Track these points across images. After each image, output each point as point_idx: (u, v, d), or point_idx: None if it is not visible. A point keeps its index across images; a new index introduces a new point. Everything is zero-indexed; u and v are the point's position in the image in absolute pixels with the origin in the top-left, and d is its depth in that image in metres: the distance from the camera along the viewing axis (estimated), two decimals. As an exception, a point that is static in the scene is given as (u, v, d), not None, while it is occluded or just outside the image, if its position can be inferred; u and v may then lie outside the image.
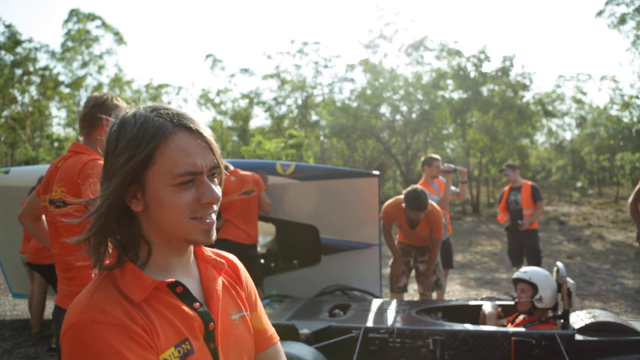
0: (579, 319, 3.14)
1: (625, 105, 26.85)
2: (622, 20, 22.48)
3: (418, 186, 4.29)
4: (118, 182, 0.89)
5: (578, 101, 33.71)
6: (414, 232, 4.53)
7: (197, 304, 0.95)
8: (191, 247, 1.02)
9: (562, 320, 3.06)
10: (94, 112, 2.30)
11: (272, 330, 1.14)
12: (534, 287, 3.19)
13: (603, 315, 3.15)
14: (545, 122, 29.98)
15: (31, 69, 25.66)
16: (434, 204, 4.47)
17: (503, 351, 2.90)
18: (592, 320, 3.07)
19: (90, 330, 0.82)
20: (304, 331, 3.02)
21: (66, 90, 27.75)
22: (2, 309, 6.06)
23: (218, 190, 0.94)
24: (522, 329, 2.98)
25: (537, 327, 3.06)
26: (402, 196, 4.35)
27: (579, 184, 29.15)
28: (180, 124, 0.90)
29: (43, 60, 39.86)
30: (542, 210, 6.45)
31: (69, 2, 54.38)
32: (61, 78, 27.19)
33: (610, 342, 2.89)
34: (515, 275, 3.33)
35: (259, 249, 5.32)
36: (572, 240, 12.57)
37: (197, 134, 0.91)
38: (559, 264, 3.25)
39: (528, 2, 59.96)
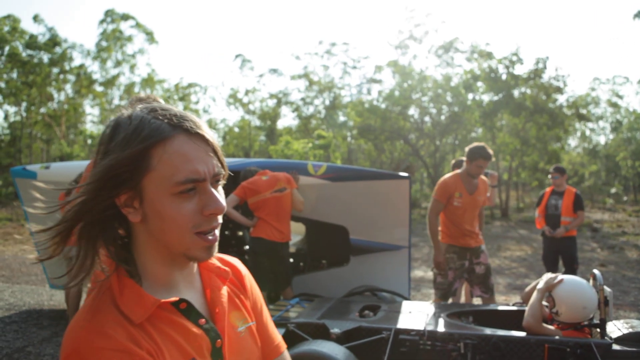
0: (615, 328, 3.07)
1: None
2: (662, 22, 21.75)
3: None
4: (99, 177, 0.81)
5: (614, 105, 32.82)
6: (472, 199, 4.55)
7: (203, 320, 0.89)
8: None
9: (598, 330, 3.00)
10: None
11: (278, 340, 1.09)
12: (553, 299, 3.10)
13: (640, 325, 3.07)
14: (578, 126, 29.27)
15: (67, 67, 26.47)
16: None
17: (536, 358, 2.86)
18: (630, 330, 3.00)
19: (94, 357, 0.76)
20: (335, 330, 3.05)
21: (100, 89, 28.56)
22: (40, 298, 6.29)
23: (222, 198, 0.86)
24: (556, 338, 2.93)
25: (571, 334, 3.00)
26: (455, 171, 4.68)
27: (613, 190, 28.34)
28: (179, 126, 0.83)
29: (78, 59, 41.09)
30: (582, 220, 6.18)
31: (105, 2, 55.88)
32: (95, 77, 28.04)
33: (648, 353, 2.82)
34: None
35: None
36: (605, 248, 12.23)
37: (199, 137, 0.84)
38: (596, 271, 3.18)
39: (564, 3, 58.56)
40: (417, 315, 3.39)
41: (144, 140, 0.80)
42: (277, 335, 1.09)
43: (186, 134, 0.83)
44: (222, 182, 0.89)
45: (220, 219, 0.87)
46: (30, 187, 5.31)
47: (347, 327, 3.10)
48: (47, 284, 6.22)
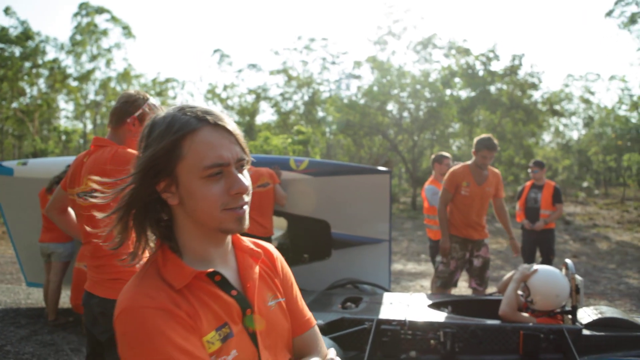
0: (586, 314, 3.21)
1: (634, 106, 26.76)
2: (632, 20, 22.36)
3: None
4: (142, 167, 0.95)
5: (586, 101, 33.61)
6: (481, 189, 4.60)
7: (235, 291, 1.00)
8: (229, 238, 1.07)
9: (570, 316, 3.14)
10: (124, 109, 2.37)
11: (308, 315, 1.18)
12: (528, 289, 3.24)
13: (610, 312, 3.22)
14: (552, 122, 29.93)
15: (40, 62, 25.85)
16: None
17: (512, 344, 2.98)
18: (599, 316, 3.15)
19: (140, 314, 0.89)
20: (319, 322, 3.08)
21: (74, 84, 27.94)
22: (17, 297, 6.20)
23: (246, 180, 0.98)
24: (530, 324, 3.06)
25: (545, 321, 3.13)
26: (465, 162, 4.75)
27: (585, 184, 29.12)
28: (204, 119, 0.95)
29: (52, 53, 40.14)
30: (561, 213, 6.38)
31: (78, -5, 54.60)
32: (69, 71, 27.39)
33: (616, 338, 2.97)
34: None
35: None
36: (577, 240, 12.61)
37: (222, 128, 0.96)
38: (568, 261, 3.32)
39: (538, 1, 59.65)
40: (398, 306, 3.48)
41: (175, 133, 0.94)
42: (307, 311, 1.19)
43: (211, 126, 0.96)
44: (247, 166, 1.00)
45: (246, 197, 0.99)
46: (9, 183, 5.23)
47: (330, 318, 3.17)
48: (24, 281, 6.13)
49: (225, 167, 0.95)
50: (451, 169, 4.74)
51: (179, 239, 1.01)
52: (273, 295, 1.10)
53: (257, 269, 1.08)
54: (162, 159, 0.94)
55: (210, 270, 0.99)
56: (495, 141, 4.58)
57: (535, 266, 3.30)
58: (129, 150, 2.29)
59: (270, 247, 1.19)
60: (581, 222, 16.38)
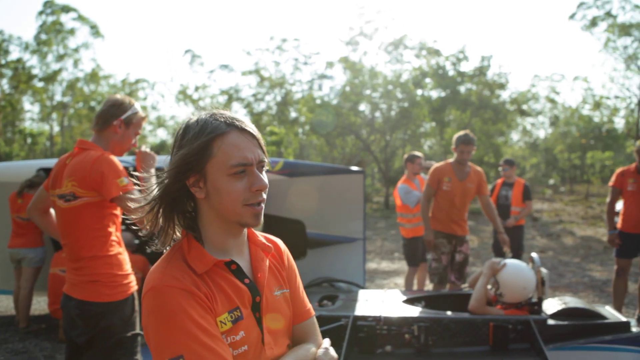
0: (551, 305, 3.37)
1: (597, 106, 27.71)
2: (594, 23, 23.19)
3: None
4: (176, 164, 1.08)
5: (551, 101, 34.58)
6: (462, 185, 4.73)
7: (247, 279, 1.14)
8: (245, 231, 1.20)
9: (535, 307, 3.29)
10: (111, 112, 2.40)
11: (308, 306, 1.31)
12: (497, 282, 3.39)
13: (573, 302, 3.40)
14: (520, 121, 30.71)
15: (3, 61, 25.05)
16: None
17: (482, 336, 3.11)
18: (563, 306, 3.31)
19: (166, 292, 1.03)
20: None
21: (40, 84, 27.15)
22: (-14, 304, 6.04)
23: (266, 179, 1.11)
24: (499, 316, 3.19)
25: (513, 313, 3.27)
26: (448, 160, 4.97)
27: (551, 182, 29.98)
28: (232, 124, 1.09)
29: (15, 52, 38.83)
30: (530, 210, 6.60)
31: (42, -7, 53.07)
32: (35, 71, 26.58)
33: (579, 326, 3.14)
34: None
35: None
36: (544, 236, 13.03)
37: (247, 133, 1.10)
38: (534, 254, 3.48)
39: (507, 4, 61.13)
40: (373, 302, 3.58)
41: (207, 135, 1.07)
42: (307, 302, 1.32)
43: (238, 130, 1.10)
44: (266, 167, 1.14)
45: (264, 194, 1.12)
46: None
47: (307, 316, 3.23)
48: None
49: (249, 166, 1.09)
50: (434, 166, 4.91)
51: (202, 229, 1.14)
52: (279, 286, 1.23)
53: (267, 261, 1.21)
54: (194, 157, 1.07)
55: (228, 259, 1.13)
56: (472, 136, 4.73)
57: (503, 261, 3.44)
58: (112, 157, 2.32)
59: (280, 242, 1.33)
60: (548, 219, 16.90)
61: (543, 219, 16.87)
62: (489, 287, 3.41)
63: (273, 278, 1.23)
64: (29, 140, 26.26)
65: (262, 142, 1.14)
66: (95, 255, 2.26)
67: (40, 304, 5.91)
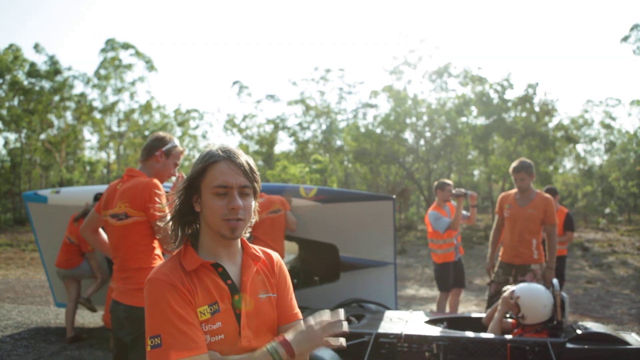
0: (572, 329, 3.43)
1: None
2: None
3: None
4: (185, 185, 1.39)
5: (607, 126, 33.35)
6: (523, 211, 4.70)
7: (230, 280, 1.37)
8: (239, 244, 1.45)
9: (555, 330, 3.36)
10: (154, 145, 2.84)
11: (296, 310, 1.50)
12: (518, 306, 3.49)
13: (595, 327, 3.43)
14: (571, 148, 29.77)
15: (67, 95, 27.02)
16: (548, 195, 4.85)
17: (500, 356, 3.21)
18: (584, 330, 3.36)
19: (155, 284, 1.31)
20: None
21: (99, 116, 29.04)
22: (47, 317, 6.60)
23: (241, 201, 1.35)
24: (517, 337, 3.29)
25: (532, 336, 3.36)
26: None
27: (607, 211, 28.67)
28: (226, 155, 1.37)
29: (79, 87, 41.71)
30: (570, 240, 6.48)
31: (106, 31, 57.05)
32: (95, 104, 28.48)
33: (598, 350, 3.18)
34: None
35: (283, 265, 5.73)
36: (594, 266, 12.55)
37: (235, 164, 1.37)
38: (554, 280, 3.57)
39: (555, 29, 60.00)
40: (397, 322, 3.75)
41: (205, 162, 1.37)
42: (295, 307, 1.52)
43: (228, 160, 1.37)
44: (250, 192, 1.38)
45: (240, 213, 1.35)
46: (43, 210, 5.68)
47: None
48: (54, 303, 6.53)
49: (229, 189, 1.34)
50: (501, 195, 5.04)
51: (200, 238, 1.41)
52: (265, 290, 1.43)
53: (254, 268, 1.43)
54: (195, 177, 1.37)
55: (213, 262, 1.38)
56: (525, 163, 4.72)
57: (512, 287, 3.57)
58: (159, 184, 2.73)
59: (274, 254, 1.54)
60: (600, 249, 16.23)
61: (595, 249, 16.22)
62: (507, 316, 3.53)
63: (260, 283, 1.44)
64: (88, 168, 28.06)
65: (250, 170, 1.38)
66: (141, 267, 2.63)
67: (89, 317, 6.39)
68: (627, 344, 3.28)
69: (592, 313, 7.15)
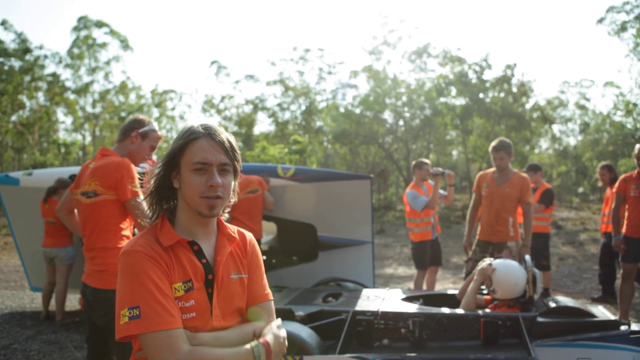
0: (542, 304, 3.53)
1: (629, 112, 27.08)
2: (623, 27, 22.84)
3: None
4: (164, 161, 1.37)
5: (581, 107, 33.91)
6: (500, 190, 4.76)
7: (205, 260, 1.37)
8: (214, 223, 1.43)
9: (526, 305, 3.46)
10: (131, 125, 2.81)
11: (267, 291, 1.50)
12: (490, 280, 3.57)
13: (564, 301, 3.55)
14: (547, 128, 30.24)
15: (38, 74, 26.20)
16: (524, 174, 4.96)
17: (473, 331, 3.29)
18: (554, 304, 3.47)
19: (134, 255, 1.29)
20: (299, 313, 3.43)
21: (73, 97, 28.28)
22: (22, 302, 6.50)
23: (220, 179, 1.33)
24: (490, 312, 3.38)
25: (504, 310, 3.45)
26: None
27: (580, 190, 29.35)
28: (207, 132, 1.35)
29: (51, 66, 40.45)
30: (538, 210, 6.46)
31: (77, 9, 55.24)
32: (68, 84, 27.69)
33: (568, 323, 3.29)
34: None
35: (261, 246, 5.74)
36: (567, 244, 12.91)
37: (216, 141, 1.35)
38: (527, 256, 3.65)
39: (532, 10, 60.35)
40: (374, 299, 3.80)
41: (185, 138, 1.36)
42: (267, 288, 1.51)
43: (209, 137, 1.35)
44: (230, 170, 1.36)
45: (219, 191, 1.33)
46: (15, 193, 5.55)
47: (310, 310, 3.49)
48: (29, 287, 6.43)
49: (209, 166, 1.32)
50: (479, 173, 5.08)
51: (177, 215, 1.40)
52: (237, 271, 1.43)
53: (229, 248, 1.42)
54: (175, 153, 1.35)
55: (190, 239, 1.37)
56: (504, 143, 4.78)
57: (489, 261, 3.64)
58: (131, 164, 2.69)
59: (248, 234, 1.52)
60: (572, 227, 16.67)
61: (567, 227, 16.64)
62: (482, 287, 3.60)
63: (232, 263, 1.43)
64: (62, 150, 27.40)
65: (230, 148, 1.37)
66: (106, 246, 2.61)
67: (70, 302, 6.32)
68: (594, 316, 3.41)
69: (562, 288, 7.38)
